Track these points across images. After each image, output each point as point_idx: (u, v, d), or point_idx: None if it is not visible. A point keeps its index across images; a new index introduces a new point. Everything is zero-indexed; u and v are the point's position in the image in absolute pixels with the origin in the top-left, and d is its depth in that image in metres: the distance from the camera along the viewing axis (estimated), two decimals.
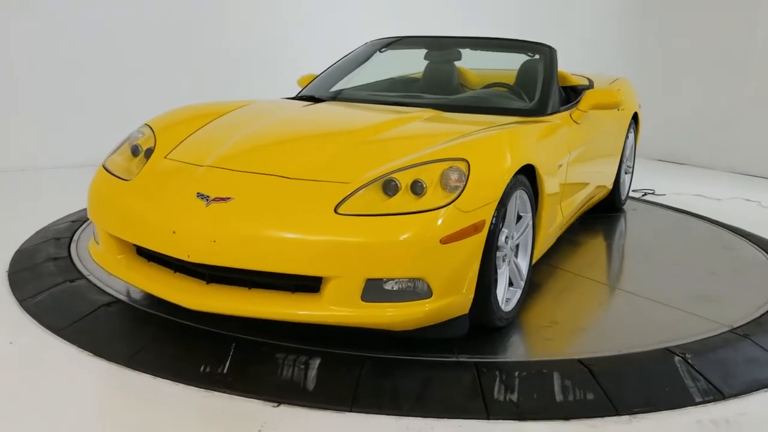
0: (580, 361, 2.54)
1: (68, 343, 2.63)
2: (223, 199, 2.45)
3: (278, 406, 2.26)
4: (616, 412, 2.30)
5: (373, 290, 2.33)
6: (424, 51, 4.53)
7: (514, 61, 4.60)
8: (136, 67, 6.54)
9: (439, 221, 2.33)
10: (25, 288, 3.12)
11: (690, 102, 8.24)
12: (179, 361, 2.48)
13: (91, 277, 3.19)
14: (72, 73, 6.21)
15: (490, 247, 2.51)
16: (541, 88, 3.70)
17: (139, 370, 2.44)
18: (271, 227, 2.35)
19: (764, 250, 4.27)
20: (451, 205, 2.36)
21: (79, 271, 3.27)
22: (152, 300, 2.90)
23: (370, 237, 2.29)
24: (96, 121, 6.33)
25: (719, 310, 3.17)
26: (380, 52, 4.52)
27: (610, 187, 4.88)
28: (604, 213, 5.04)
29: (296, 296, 2.40)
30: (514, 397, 2.32)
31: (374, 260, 2.29)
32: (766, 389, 2.53)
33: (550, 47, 4.08)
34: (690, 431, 2.24)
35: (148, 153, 2.90)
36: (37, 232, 3.98)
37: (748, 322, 3.01)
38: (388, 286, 2.35)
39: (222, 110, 3.35)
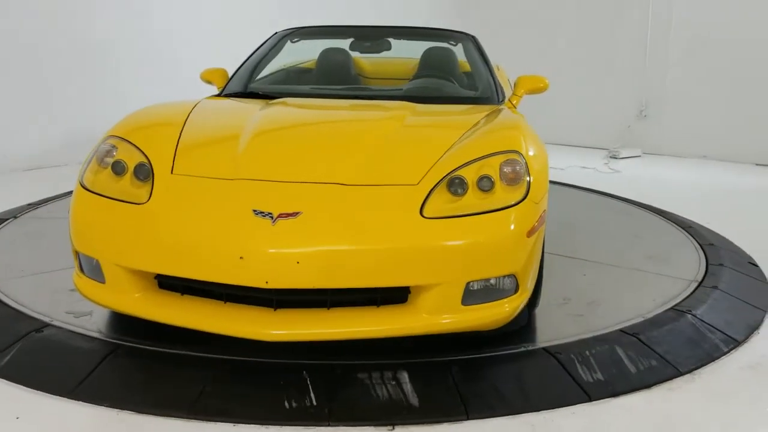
0: (623, 331, 2.71)
1: (93, 405, 2.18)
2: (290, 215, 2.19)
3: (393, 428, 2.11)
4: (680, 372, 2.50)
5: (469, 293, 2.26)
6: (331, 39, 4.42)
7: (406, 50, 4.67)
8: None
9: (523, 215, 2.32)
10: None
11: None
12: (254, 400, 2.19)
13: (56, 323, 2.66)
14: None
15: (544, 236, 2.57)
16: (488, 76, 3.79)
17: (212, 420, 2.10)
18: (359, 240, 2.16)
19: (651, 211, 4.85)
20: (527, 198, 2.36)
21: (34, 318, 2.70)
22: (161, 338, 2.51)
23: (468, 238, 2.21)
24: None
25: (673, 267, 3.56)
26: (292, 42, 4.30)
27: None
28: None
29: (384, 310, 2.24)
30: (600, 375, 2.40)
31: (476, 262, 2.21)
32: (757, 331, 2.91)
33: (472, 35, 4.19)
34: (745, 377, 2.50)
35: (142, 169, 2.47)
36: None
37: (706, 275, 3.42)
38: (473, 287, 2.29)
39: (177, 113, 2.94)
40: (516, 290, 2.34)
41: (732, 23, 7.51)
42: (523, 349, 2.54)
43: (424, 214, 2.24)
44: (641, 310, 2.93)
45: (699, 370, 2.54)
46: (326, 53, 4.29)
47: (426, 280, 2.18)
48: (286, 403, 2.17)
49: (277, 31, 4.29)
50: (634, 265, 3.59)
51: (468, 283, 2.23)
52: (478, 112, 3.19)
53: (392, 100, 3.37)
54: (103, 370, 2.33)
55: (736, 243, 4.13)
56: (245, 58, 4.03)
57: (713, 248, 3.91)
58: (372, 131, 2.76)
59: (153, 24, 7.14)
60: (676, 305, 3.00)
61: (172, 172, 2.44)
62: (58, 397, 2.22)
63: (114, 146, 2.59)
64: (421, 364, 2.38)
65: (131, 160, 2.51)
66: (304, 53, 4.59)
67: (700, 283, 3.30)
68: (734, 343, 2.75)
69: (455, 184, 2.36)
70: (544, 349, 2.53)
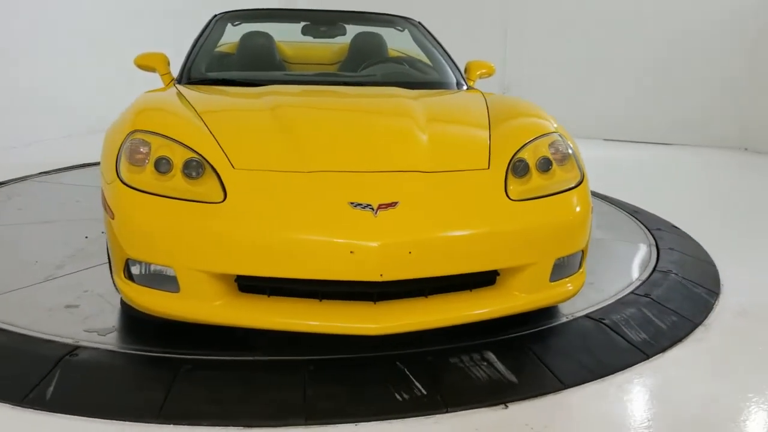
0: (635, 293, 2.99)
1: (190, 426, 1.97)
2: (389, 205, 2.14)
3: (507, 407, 2.16)
4: (696, 324, 2.80)
5: (553, 270, 2.36)
6: (273, 24, 4.26)
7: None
8: None
9: (586, 193, 2.47)
10: None
11: None
12: (363, 397, 2.12)
13: (85, 344, 2.36)
14: None
15: None
16: (444, 59, 3.87)
17: (333, 422, 2.01)
18: (462, 225, 2.17)
19: None
20: (585, 177, 2.51)
21: (53, 342, 2.37)
22: (213, 347, 2.34)
23: (555, 217, 2.31)
24: None
25: (625, 233, 3.95)
26: (233, 25, 4.09)
27: None
28: None
29: (478, 294, 2.28)
30: (644, 334, 2.62)
31: (563, 239, 2.32)
32: (721, 282, 3.32)
33: (417, 21, 4.25)
34: (741, 324, 2.86)
35: (193, 165, 2.25)
36: None
37: (655, 239, 3.83)
38: (555, 264, 2.39)
39: (178, 104, 2.74)
40: (580, 265, 2.49)
41: (584, 8, 8.29)
42: (569, 318, 2.70)
43: (510, 197, 2.31)
44: (633, 273, 3.24)
45: (706, 320, 2.87)
46: (248, 37, 4.12)
47: (525, 260, 2.25)
48: (398, 396, 2.13)
49: (216, 14, 4.05)
50: (594, 234, 3.90)
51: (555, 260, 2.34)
52: (462, 94, 3.31)
53: (376, 86, 3.37)
54: (181, 388, 2.12)
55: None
56: (192, 44, 3.76)
57: (640, 214, 4.37)
58: (406, 119, 2.71)
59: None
60: (656, 267, 3.34)
61: (234, 168, 2.26)
62: (144, 423, 1.99)
63: (145, 141, 2.34)
64: (499, 342, 2.45)
65: (176, 155, 2.28)
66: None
67: (657, 247, 3.69)
68: (715, 295, 3.12)
69: (519, 167, 2.44)
70: (587, 316, 2.72)
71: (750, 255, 3.79)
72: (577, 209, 2.38)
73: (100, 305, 2.68)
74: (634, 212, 4.42)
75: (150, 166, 2.26)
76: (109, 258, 2.49)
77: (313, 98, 3.08)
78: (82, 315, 2.59)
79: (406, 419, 2.06)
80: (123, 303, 2.64)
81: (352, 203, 2.13)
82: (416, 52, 4.65)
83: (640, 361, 2.47)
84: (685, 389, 2.30)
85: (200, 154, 2.28)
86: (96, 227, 3.76)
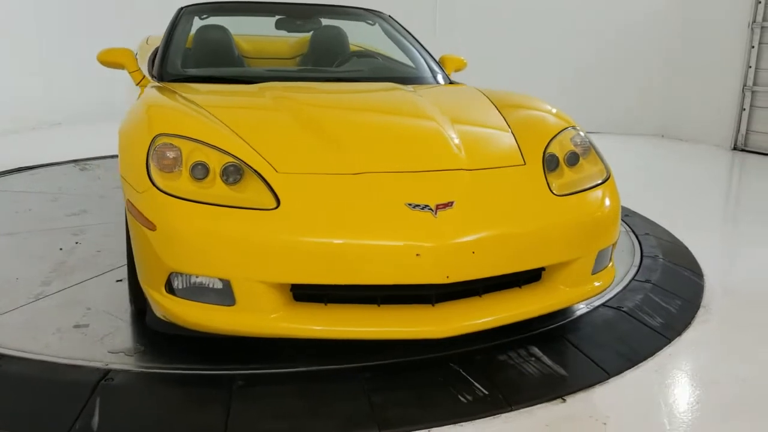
0: (636, 279, 3.10)
1: None
2: (447, 205, 2.10)
3: (564, 400, 2.19)
4: (697, 307, 2.93)
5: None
6: (243, 17, 4.10)
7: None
8: None
9: (615, 184, 2.53)
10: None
11: None
12: (429, 401, 2.08)
13: (116, 366, 2.19)
14: None
15: None
16: (426, 53, 3.85)
17: (405, 430, 1.97)
18: (517, 223, 2.17)
19: None
20: (609, 168, 2.57)
21: (80, 367, 2.19)
22: (244, 360, 2.25)
23: (597, 211, 2.35)
24: None
25: None
26: (201, 18, 3.90)
27: None
28: None
29: (526, 291, 2.29)
30: (659, 319, 2.72)
31: (603, 232, 2.37)
32: (700, 265, 3.52)
33: (388, 14, 4.20)
34: (731, 303, 3.01)
35: (232, 170, 2.13)
36: None
37: (630, 226, 3.99)
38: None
39: (187, 106, 2.58)
40: (610, 258, 2.56)
41: (513, 3, 8.49)
42: (591, 307, 2.77)
43: (555, 192, 2.33)
44: (626, 260, 3.37)
45: (703, 302, 3.02)
46: (204, 31, 3.95)
47: (575, 254, 2.28)
48: (461, 398, 2.12)
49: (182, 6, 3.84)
50: None
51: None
52: (458, 88, 3.32)
53: (373, 82, 3.32)
54: (240, 406, 2.00)
55: None
56: (164, 40, 3.55)
57: None
58: (429, 117, 2.66)
59: None
60: (643, 252, 3.49)
61: (277, 172, 2.15)
62: None
63: (172, 145, 2.18)
64: (537, 336, 2.48)
65: (212, 160, 2.15)
66: None
67: (635, 233, 3.85)
68: (701, 277, 3.30)
69: (551, 162, 2.47)
70: (605, 305, 2.80)
71: (709, 235, 4.03)
72: (612, 202, 2.44)
73: (113, 323, 2.50)
74: None
75: (185, 172, 2.12)
76: (131, 272, 2.33)
77: (323, 96, 2.98)
78: (97, 335, 2.41)
79: (475, 421, 2.05)
80: (143, 319, 2.47)
81: (409, 204, 2.08)
82: (371, 45, 4.63)
83: (664, 346, 2.56)
84: (715, 369, 2.41)
85: (239, 159, 2.16)
86: (64, 237, 3.51)
